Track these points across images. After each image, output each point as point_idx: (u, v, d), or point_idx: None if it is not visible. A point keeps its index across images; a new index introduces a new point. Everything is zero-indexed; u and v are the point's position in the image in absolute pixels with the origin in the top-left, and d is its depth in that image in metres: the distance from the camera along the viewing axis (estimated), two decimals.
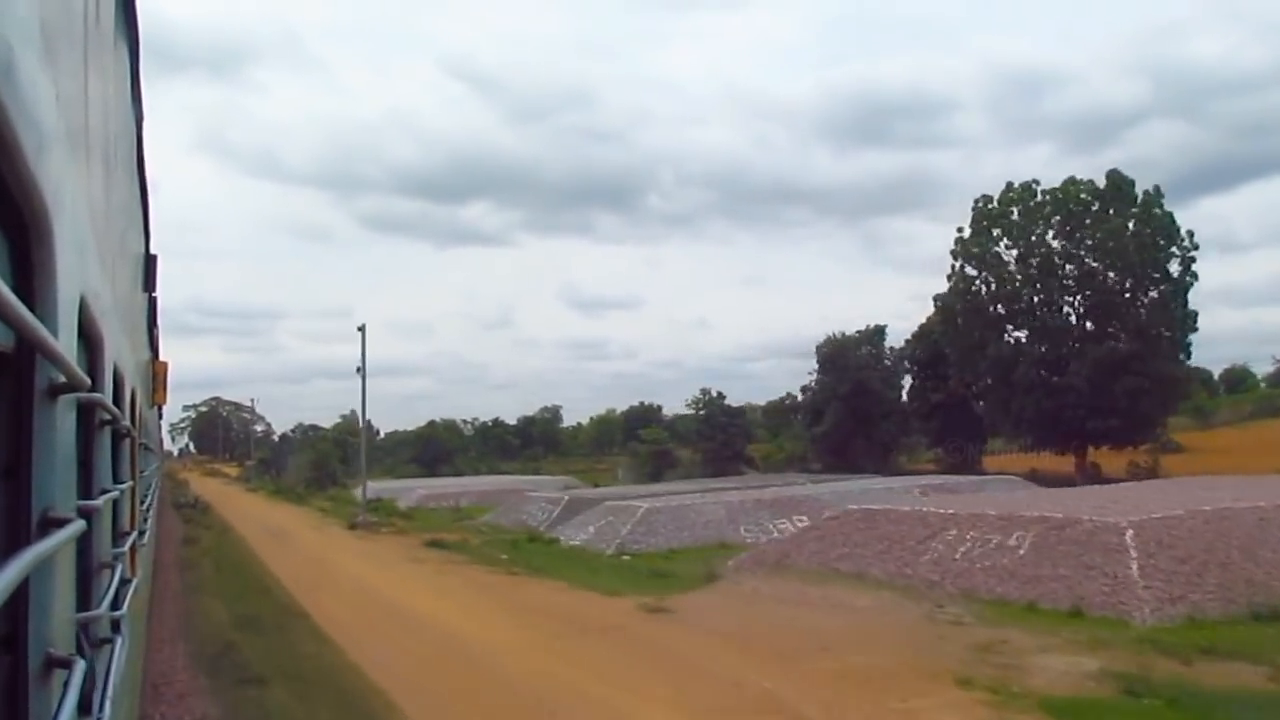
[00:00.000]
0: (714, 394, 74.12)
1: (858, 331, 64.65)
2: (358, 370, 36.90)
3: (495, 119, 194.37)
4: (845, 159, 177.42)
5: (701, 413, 72.69)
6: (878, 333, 64.79)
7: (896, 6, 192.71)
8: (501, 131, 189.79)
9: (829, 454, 60.92)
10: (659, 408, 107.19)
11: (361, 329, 37.01)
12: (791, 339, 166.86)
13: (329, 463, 68.85)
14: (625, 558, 24.58)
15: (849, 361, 62.04)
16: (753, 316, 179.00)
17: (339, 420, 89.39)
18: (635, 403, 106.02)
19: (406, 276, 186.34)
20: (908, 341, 63.00)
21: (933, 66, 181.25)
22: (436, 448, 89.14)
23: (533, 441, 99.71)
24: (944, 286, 54.08)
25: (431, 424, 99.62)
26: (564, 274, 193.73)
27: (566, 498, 36.38)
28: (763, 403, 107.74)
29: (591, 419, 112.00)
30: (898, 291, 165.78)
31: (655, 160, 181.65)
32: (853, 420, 60.24)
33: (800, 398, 71.16)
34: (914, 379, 62.96)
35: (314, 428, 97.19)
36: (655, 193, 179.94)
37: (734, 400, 75.17)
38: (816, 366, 65.33)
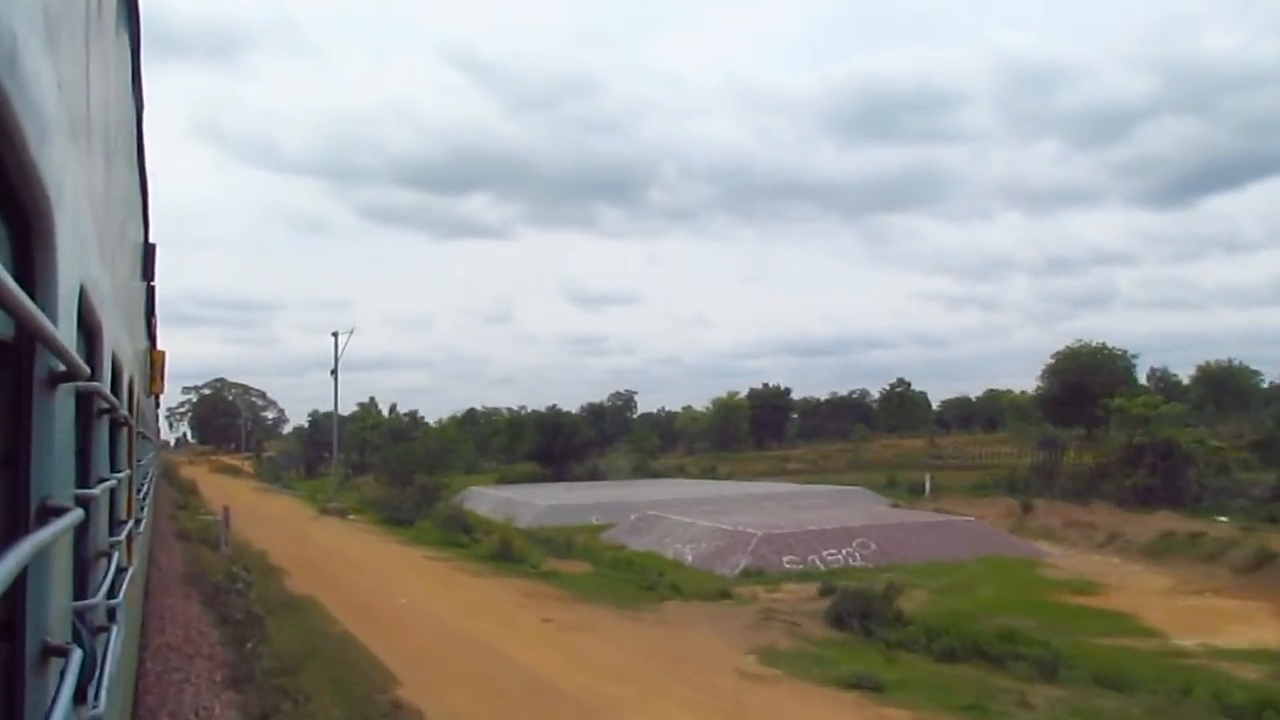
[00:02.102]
0: None
1: None
2: None
3: (495, 109, 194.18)
4: (850, 154, 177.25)
5: None
6: None
7: None
8: (501, 122, 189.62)
9: None
10: (787, 390, 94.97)
11: None
12: (793, 336, 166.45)
13: (437, 467, 46.03)
14: None
15: None
16: (754, 313, 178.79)
17: (355, 409, 79.92)
18: (758, 385, 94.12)
19: (404, 269, 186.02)
20: None
21: (939, 60, 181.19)
22: (565, 435, 66.89)
23: (608, 435, 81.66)
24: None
25: (472, 411, 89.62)
26: (564, 267, 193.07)
27: None
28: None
29: (714, 402, 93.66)
30: (902, 289, 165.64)
31: (657, 153, 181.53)
32: None
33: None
34: None
35: (330, 416, 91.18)
36: (657, 186, 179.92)
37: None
38: None
